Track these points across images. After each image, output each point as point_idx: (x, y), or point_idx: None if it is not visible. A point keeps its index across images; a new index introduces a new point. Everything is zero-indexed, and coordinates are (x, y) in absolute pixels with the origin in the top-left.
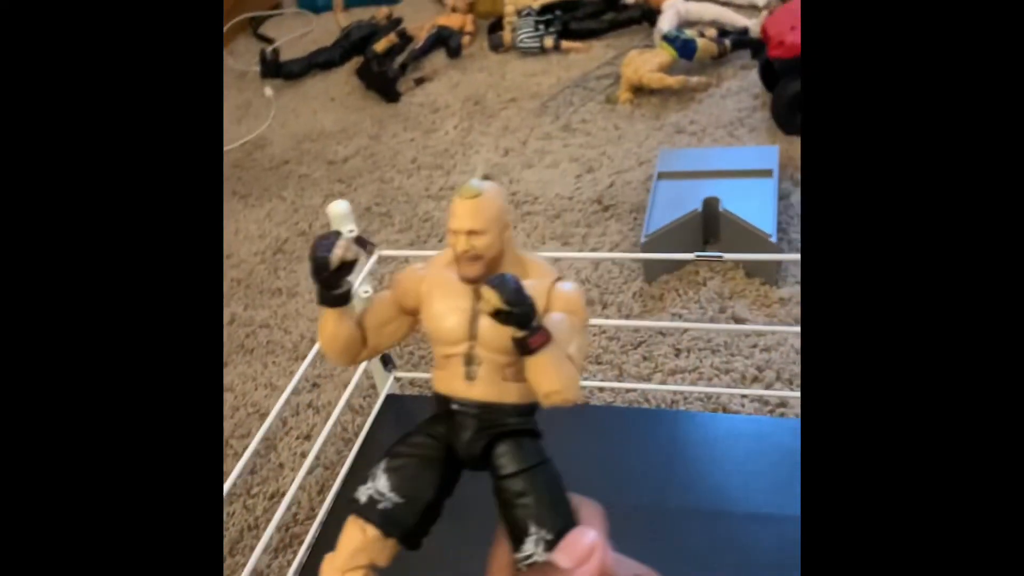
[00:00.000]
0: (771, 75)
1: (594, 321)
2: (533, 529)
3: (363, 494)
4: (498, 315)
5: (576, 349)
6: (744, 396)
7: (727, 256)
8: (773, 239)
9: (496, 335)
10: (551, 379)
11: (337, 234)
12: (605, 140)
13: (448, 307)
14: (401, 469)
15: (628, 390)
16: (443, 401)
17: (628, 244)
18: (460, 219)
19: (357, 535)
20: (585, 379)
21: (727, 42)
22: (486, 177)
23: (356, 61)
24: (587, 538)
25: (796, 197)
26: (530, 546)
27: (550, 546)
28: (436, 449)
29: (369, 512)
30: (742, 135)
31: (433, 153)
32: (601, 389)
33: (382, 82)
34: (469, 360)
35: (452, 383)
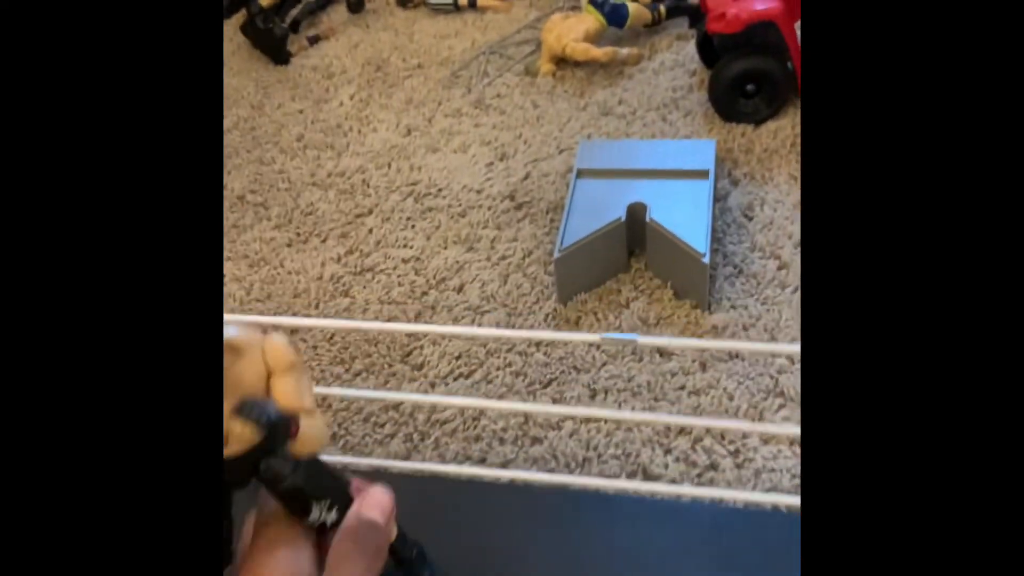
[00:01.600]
0: (710, 50)
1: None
2: (314, 503)
3: None
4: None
5: (310, 398)
6: (668, 452)
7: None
8: (705, 259)
9: None
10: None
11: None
12: (522, 120)
13: None
14: None
15: (533, 441)
16: None
17: (543, 252)
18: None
19: None
20: (483, 434)
21: (662, 8)
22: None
23: (242, 15)
24: (385, 494)
25: (734, 199)
26: (316, 513)
27: (338, 512)
28: None
29: None
30: (676, 120)
31: (323, 129)
32: (502, 440)
33: (269, 41)
34: None
35: None
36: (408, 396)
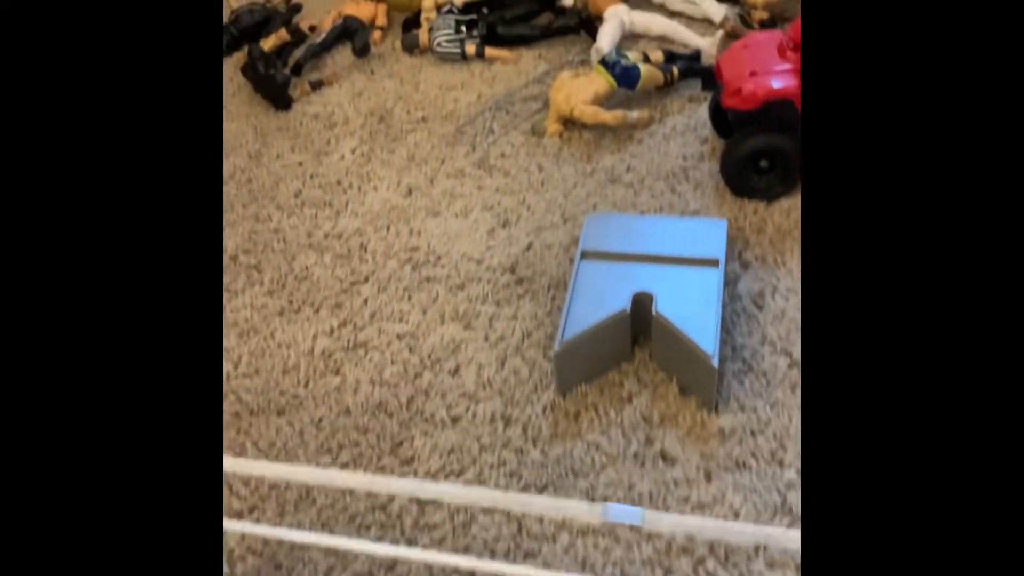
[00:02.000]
0: (723, 117)
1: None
2: None
3: None
4: None
5: None
6: (668, 573)
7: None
8: (715, 361)
9: None
10: None
11: None
12: (526, 184)
13: None
14: None
15: (527, 555)
16: None
17: (543, 334)
18: None
19: None
20: (472, 543)
21: (675, 69)
22: None
23: (243, 54)
24: None
25: (744, 284)
26: None
27: None
28: None
29: None
30: (685, 192)
31: (322, 185)
32: (493, 552)
33: (270, 87)
34: None
35: None
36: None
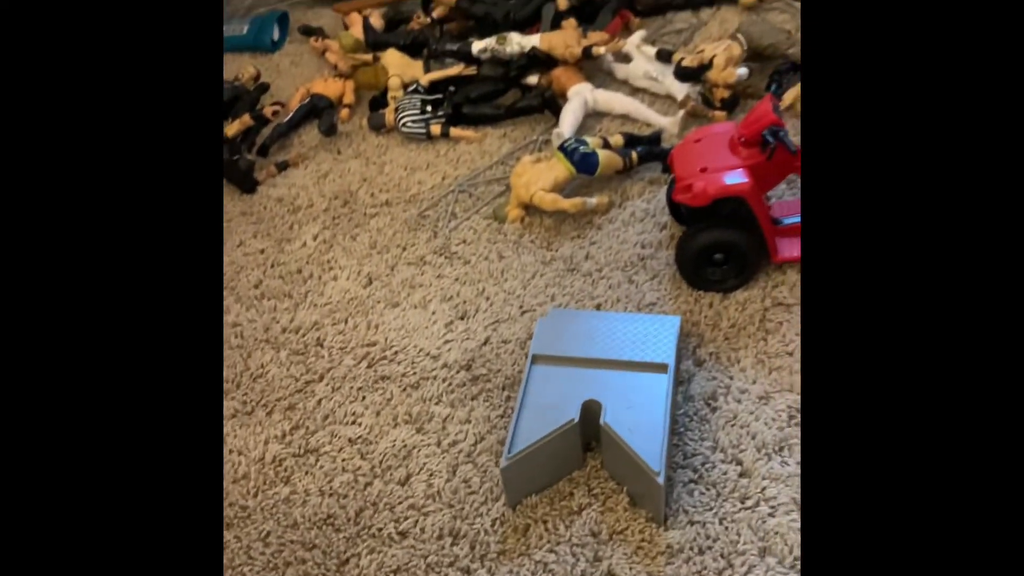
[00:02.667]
0: (678, 206)
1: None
2: None
3: None
4: None
5: None
6: None
7: None
8: (660, 478)
9: None
10: None
11: None
12: (486, 273)
13: None
14: None
15: None
16: None
17: (495, 439)
18: None
19: None
20: None
21: (634, 154)
22: None
23: None
24: None
25: (697, 385)
26: None
27: None
28: None
29: None
30: (642, 283)
31: (283, 274)
32: None
33: (234, 172)
34: None
35: None
36: None
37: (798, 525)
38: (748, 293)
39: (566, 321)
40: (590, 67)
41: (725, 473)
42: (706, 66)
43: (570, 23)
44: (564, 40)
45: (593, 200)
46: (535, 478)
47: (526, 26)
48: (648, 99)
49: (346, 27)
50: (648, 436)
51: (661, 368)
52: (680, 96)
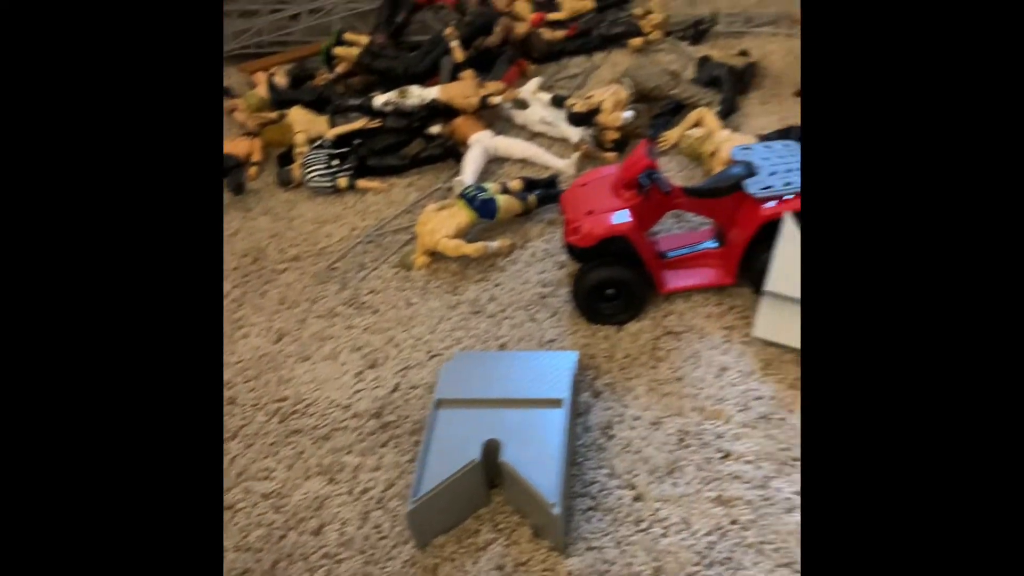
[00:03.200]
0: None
1: None
2: None
3: None
4: None
5: None
6: None
7: None
8: (556, 509)
9: None
10: None
11: None
12: (395, 321)
13: None
14: None
15: None
16: None
17: (404, 484)
18: None
19: None
20: None
21: (531, 198)
22: None
23: None
24: None
25: (594, 416)
26: None
27: None
28: None
29: None
30: (543, 320)
31: None
32: None
33: None
34: None
35: None
36: None
37: (688, 543)
38: (640, 324)
39: (469, 364)
40: (490, 115)
41: (620, 499)
42: (596, 110)
43: (467, 74)
44: (462, 91)
45: (495, 244)
46: (442, 518)
47: (426, 78)
48: (546, 143)
49: (252, 86)
50: (545, 469)
51: (556, 403)
52: (575, 139)
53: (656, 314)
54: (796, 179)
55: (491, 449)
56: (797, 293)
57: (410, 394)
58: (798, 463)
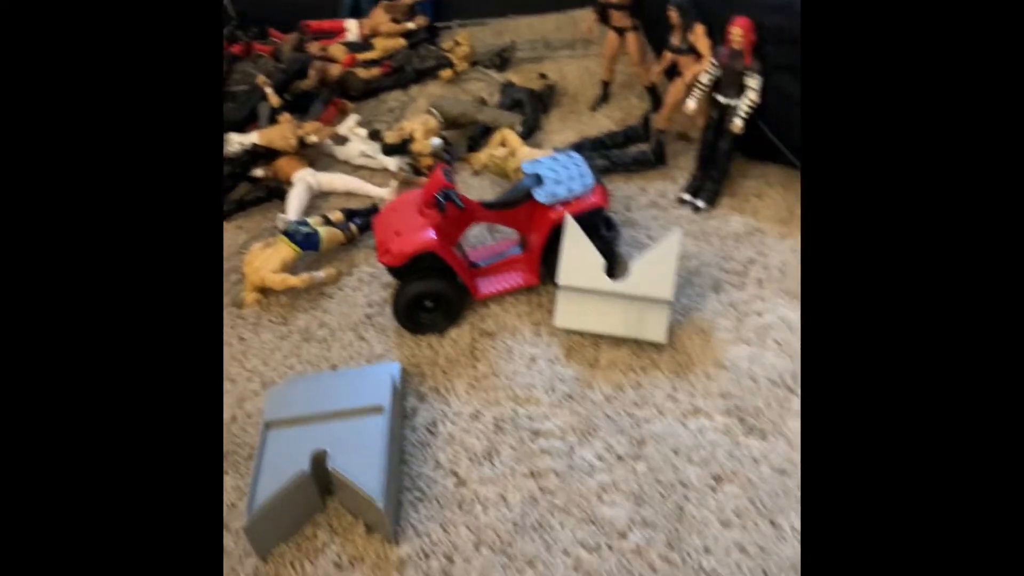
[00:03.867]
0: None
1: None
2: None
3: None
4: None
5: None
6: None
7: None
8: (379, 504)
9: None
10: None
11: None
12: (229, 357)
13: None
14: None
15: None
16: None
17: (244, 504)
18: None
19: None
20: None
21: (353, 227)
22: None
23: None
24: None
25: (421, 417)
26: None
27: None
28: None
29: None
30: (371, 338)
31: None
32: None
33: None
34: None
35: None
36: None
37: (505, 515)
38: (459, 330)
39: (295, 386)
40: (312, 153)
41: (445, 487)
42: (407, 140)
43: (285, 117)
44: (281, 133)
45: (321, 273)
46: (279, 529)
47: (245, 125)
48: (367, 174)
49: None
50: (369, 470)
51: (378, 410)
52: (393, 168)
53: (473, 319)
54: (577, 186)
55: (319, 459)
56: (586, 284)
57: (247, 423)
58: (599, 431)
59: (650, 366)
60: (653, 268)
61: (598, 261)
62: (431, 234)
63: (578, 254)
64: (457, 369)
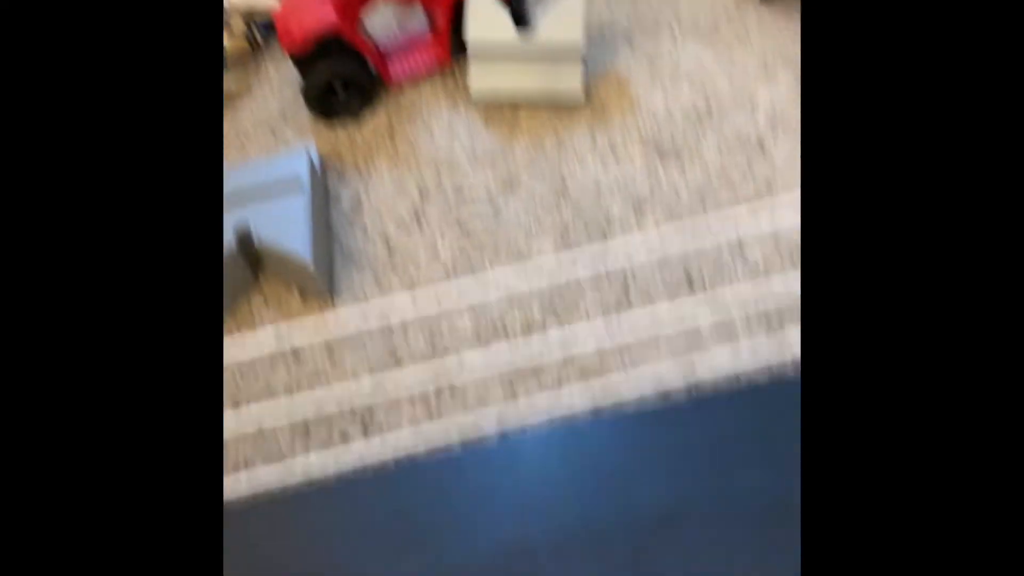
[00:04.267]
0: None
1: None
2: None
3: None
4: None
5: None
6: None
7: None
8: (311, 268)
9: None
10: None
11: None
12: None
13: None
14: None
15: None
16: None
17: None
18: None
19: None
20: None
21: (258, 36)
22: None
23: None
24: None
25: (345, 197)
26: None
27: None
28: None
29: None
30: (289, 136)
31: None
32: None
33: None
34: None
35: None
36: None
37: (436, 271)
38: (376, 117)
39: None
40: None
41: (376, 254)
42: None
43: None
44: None
45: (232, 86)
46: None
47: None
48: None
49: None
50: (296, 237)
51: (297, 185)
52: None
53: (390, 106)
54: None
55: (243, 235)
56: (495, 36)
57: None
58: (523, 184)
59: (569, 122)
60: (560, 17)
61: (504, 15)
62: (331, 15)
63: (483, 11)
64: (378, 150)
